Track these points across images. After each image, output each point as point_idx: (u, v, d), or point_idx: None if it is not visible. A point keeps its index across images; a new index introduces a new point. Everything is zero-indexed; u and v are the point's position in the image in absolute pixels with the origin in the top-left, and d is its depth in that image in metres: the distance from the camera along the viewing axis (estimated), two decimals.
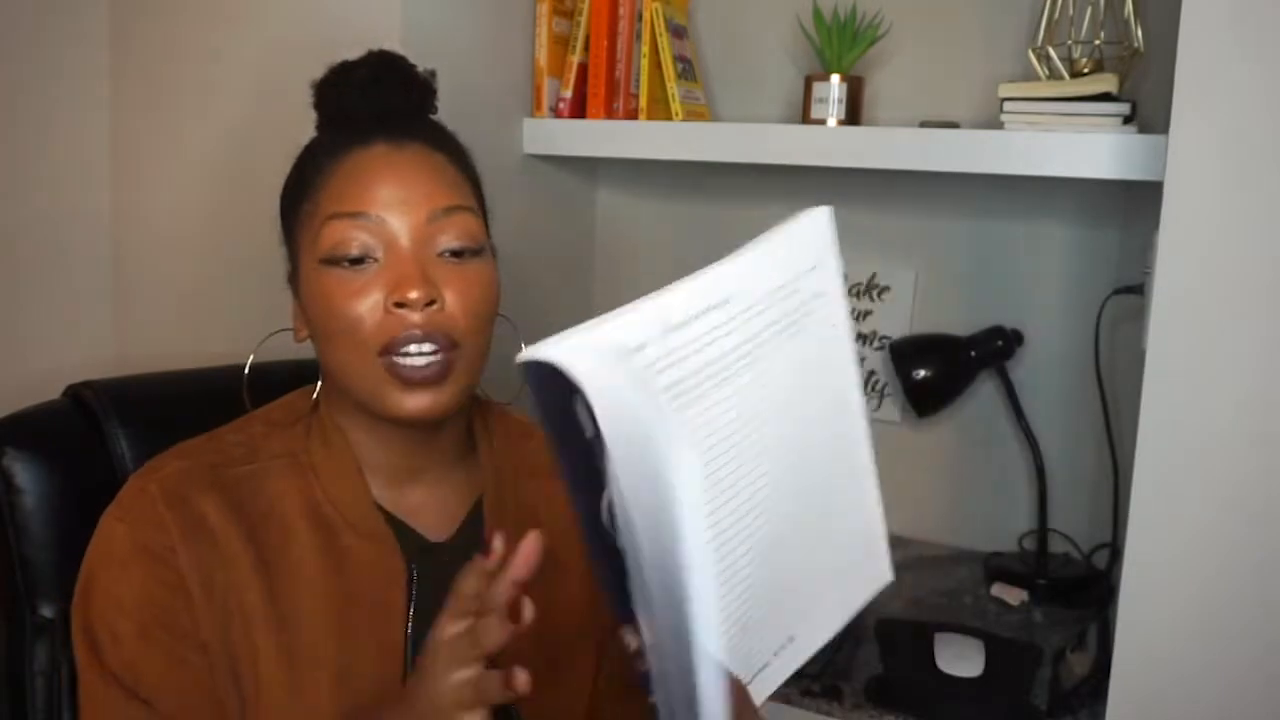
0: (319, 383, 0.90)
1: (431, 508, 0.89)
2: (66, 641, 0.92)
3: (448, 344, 0.80)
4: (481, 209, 0.89)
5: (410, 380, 0.79)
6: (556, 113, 1.62)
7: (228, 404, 1.10)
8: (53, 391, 1.02)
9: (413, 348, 0.79)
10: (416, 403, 0.80)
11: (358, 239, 0.80)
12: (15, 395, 1.03)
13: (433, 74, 0.91)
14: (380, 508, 0.86)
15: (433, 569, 0.85)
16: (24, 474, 0.92)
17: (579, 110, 1.61)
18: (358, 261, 0.80)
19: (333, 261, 0.80)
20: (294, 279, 0.88)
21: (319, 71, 1.39)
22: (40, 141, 1.56)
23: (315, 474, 0.85)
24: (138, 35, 1.50)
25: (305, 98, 1.39)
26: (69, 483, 0.94)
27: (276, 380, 0.99)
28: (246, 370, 0.94)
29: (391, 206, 0.80)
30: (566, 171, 1.73)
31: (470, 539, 0.88)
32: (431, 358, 0.79)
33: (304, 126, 1.40)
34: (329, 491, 0.85)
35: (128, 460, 0.98)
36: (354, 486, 0.85)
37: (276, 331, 0.93)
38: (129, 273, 1.55)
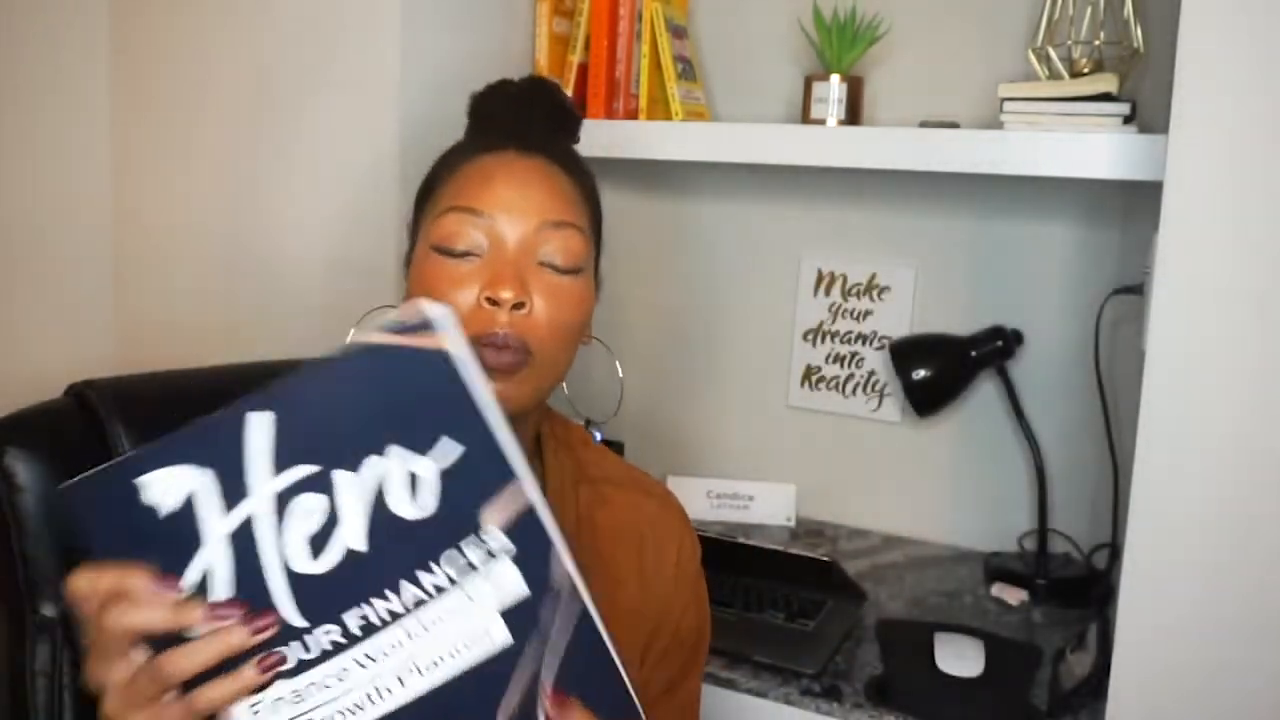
0: None
1: None
2: (68, 640, 0.93)
3: (523, 349, 0.82)
4: (595, 236, 0.92)
5: (485, 362, 0.81)
6: None
7: (230, 403, 1.10)
8: (53, 391, 1.02)
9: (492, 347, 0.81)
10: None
11: (468, 233, 0.84)
12: (16, 394, 1.03)
13: (581, 109, 0.95)
14: None
15: None
16: (26, 473, 0.92)
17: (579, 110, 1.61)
18: (463, 255, 0.84)
19: (442, 250, 0.84)
20: (409, 263, 0.91)
21: (318, 68, 1.40)
22: (41, 141, 1.56)
23: None
24: (138, 35, 1.50)
25: (303, 96, 1.39)
26: None
27: None
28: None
29: (505, 209, 0.84)
30: None
31: None
32: (506, 352, 0.82)
33: (303, 125, 1.41)
34: None
35: None
36: None
37: (379, 308, 0.97)
38: (129, 273, 1.56)
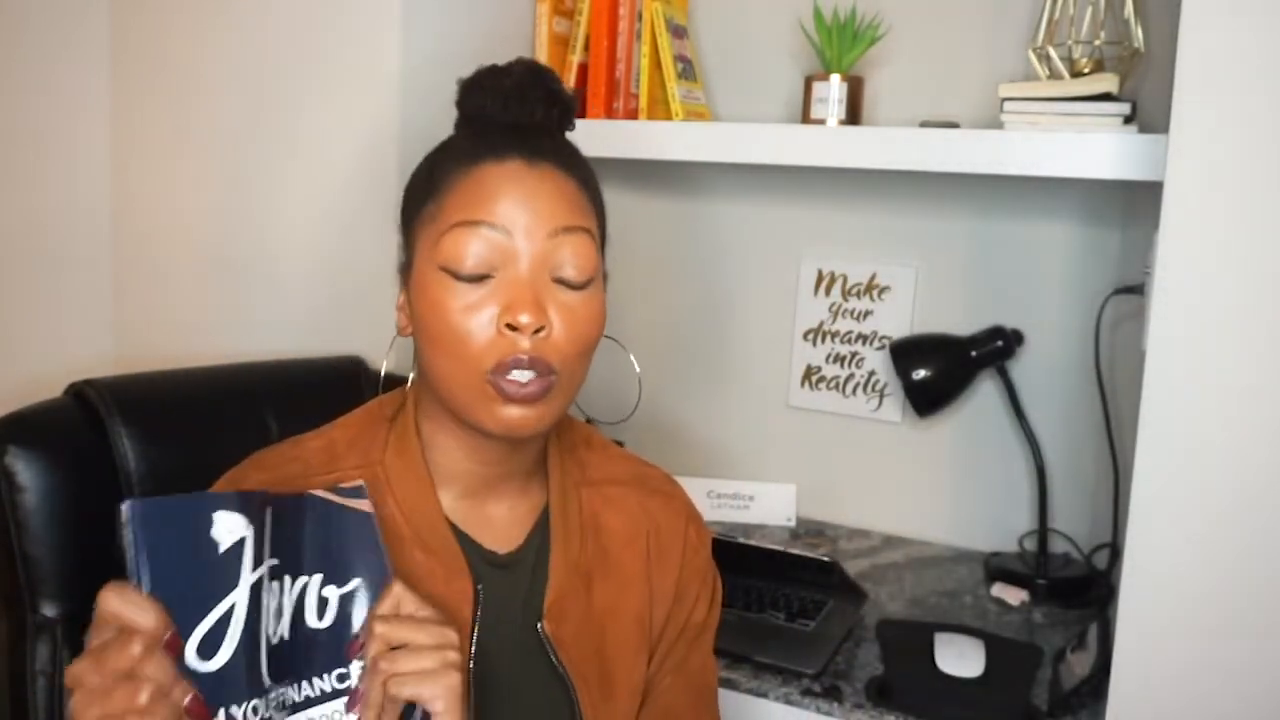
0: (410, 378, 0.90)
1: (502, 519, 0.90)
2: (68, 640, 0.93)
3: (546, 370, 0.80)
4: (602, 237, 0.89)
5: (511, 396, 0.80)
6: None
7: (229, 402, 1.10)
8: (53, 391, 1.02)
9: (516, 373, 0.80)
10: (514, 416, 0.80)
11: (478, 251, 0.80)
12: (16, 394, 1.04)
13: (574, 94, 0.92)
14: (450, 522, 0.87)
15: (498, 581, 0.87)
16: (26, 472, 0.92)
17: (579, 110, 1.61)
18: (475, 279, 0.80)
19: (450, 271, 0.81)
20: (405, 272, 0.87)
21: (318, 69, 1.39)
22: (40, 141, 1.56)
23: (389, 485, 0.86)
24: (138, 35, 1.50)
25: (302, 96, 1.39)
26: (71, 481, 0.94)
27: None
28: (383, 373, 0.94)
29: (517, 221, 0.81)
30: None
31: (536, 549, 0.90)
32: (532, 379, 0.80)
33: (302, 125, 1.41)
34: (401, 504, 0.86)
35: (130, 458, 0.98)
36: (425, 499, 0.86)
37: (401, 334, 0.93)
38: (128, 272, 1.55)
